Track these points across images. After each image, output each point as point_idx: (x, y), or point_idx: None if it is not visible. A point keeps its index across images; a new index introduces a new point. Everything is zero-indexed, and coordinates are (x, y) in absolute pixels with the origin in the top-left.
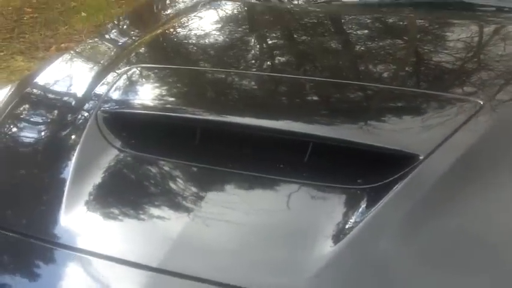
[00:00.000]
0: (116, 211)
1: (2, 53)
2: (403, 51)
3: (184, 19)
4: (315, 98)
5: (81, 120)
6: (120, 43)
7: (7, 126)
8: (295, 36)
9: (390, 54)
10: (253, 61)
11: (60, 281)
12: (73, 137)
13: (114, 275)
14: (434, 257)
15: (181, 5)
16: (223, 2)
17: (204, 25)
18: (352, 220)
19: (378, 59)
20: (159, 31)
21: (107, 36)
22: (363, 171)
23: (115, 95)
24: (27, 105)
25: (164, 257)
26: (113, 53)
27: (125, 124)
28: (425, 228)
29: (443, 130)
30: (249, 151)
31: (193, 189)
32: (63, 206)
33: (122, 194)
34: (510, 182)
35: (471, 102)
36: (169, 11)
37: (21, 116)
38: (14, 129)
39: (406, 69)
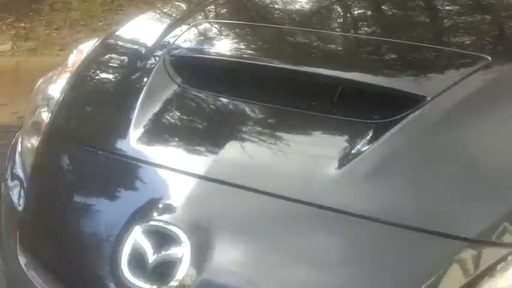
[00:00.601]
0: (174, 131)
1: (101, 23)
2: (421, 12)
3: None
4: (346, 50)
5: (152, 63)
6: (196, 2)
7: (92, 68)
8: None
9: (412, 15)
10: (302, 20)
11: (128, 187)
12: (144, 74)
13: (170, 182)
14: (431, 172)
15: None
16: None
17: None
18: (369, 144)
19: (402, 19)
20: None
21: None
22: (380, 109)
23: (182, 43)
24: (108, 52)
25: (210, 168)
26: (187, 11)
27: (187, 66)
28: (427, 149)
29: (451, 78)
30: (290, 91)
31: (240, 118)
32: (132, 126)
33: (180, 118)
34: (502, 126)
35: (479, 57)
36: None
37: (103, 60)
38: (97, 70)
39: (424, 27)
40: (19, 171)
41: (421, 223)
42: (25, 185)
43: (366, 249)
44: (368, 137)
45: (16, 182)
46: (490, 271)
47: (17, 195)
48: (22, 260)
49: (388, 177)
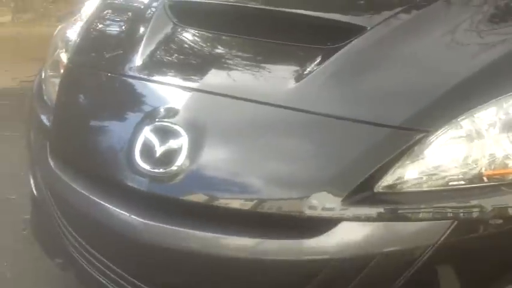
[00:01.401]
0: (173, 57)
1: None
2: None
3: None
4: None
5: (153, 9)
6: None
7: (103, 16)
8: None
9: None
10: None
11: (138, 99)
12: (147, 17)
13: (171, 94)
14: (368, 79)
15: None
16: None
17: None
18: (325, 61)
19: None
20: None
21: None
22: (333, 37)
23: None
24: (115, 3)
25: (202, 82)
26: None
27: (182, 9)
28: (367, 63)
29: (383, 12)
30: (265, 27)
31: (225, 47)
32: (139, 54)
33: (177, 48)
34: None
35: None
36: None
37: (112, 9)
38: (107, 17)
39: None
40: (44, 97)
41: (358, 115)
42: (51, 106)
43: (320, 139)
44: (325, 56)
45: (43, 105)
46: (409, 151)
47: (45, 115)
48: (51, 162)
49: (339, 84)
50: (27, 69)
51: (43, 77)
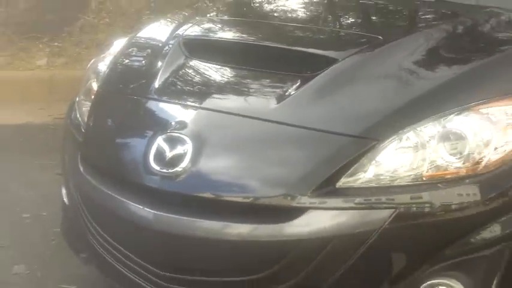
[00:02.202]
0: (185, 82)
1: None
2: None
3: None
4: (293, 34)
5: (170, 45)
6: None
7: (128, 52)
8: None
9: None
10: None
11: (154, 115)
12: (165, 52)
13: (181, 111)
14: (335, 99)
15: None
16: None
17: None
18: (304, 85)
19: (327, 16)
20: None
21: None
22: (310, 67)
23: (191, 32)
24: (138, 42)
25: (207, 102)
26: (188, 14)
27: (194, 45)
28: (337, 86)
29: (353, 48)
30: (257, 59)
31: (228, 74)
32: (157, 80)
33: (188, 76)
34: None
35: (374, 37)
36: None
37: (135, 47)
38: (132, 53)
39: (342, 20)
40: (78, 117)
41: (325, 127)
42: (82, 124)
43: (294, 146)
44: (304, 82)
45: (76, 124)
46: (365, 155)
47: (77, 132)
48: (81, 168)
49: (313, 104)
50: (61, 108)
51: (77, 101)
